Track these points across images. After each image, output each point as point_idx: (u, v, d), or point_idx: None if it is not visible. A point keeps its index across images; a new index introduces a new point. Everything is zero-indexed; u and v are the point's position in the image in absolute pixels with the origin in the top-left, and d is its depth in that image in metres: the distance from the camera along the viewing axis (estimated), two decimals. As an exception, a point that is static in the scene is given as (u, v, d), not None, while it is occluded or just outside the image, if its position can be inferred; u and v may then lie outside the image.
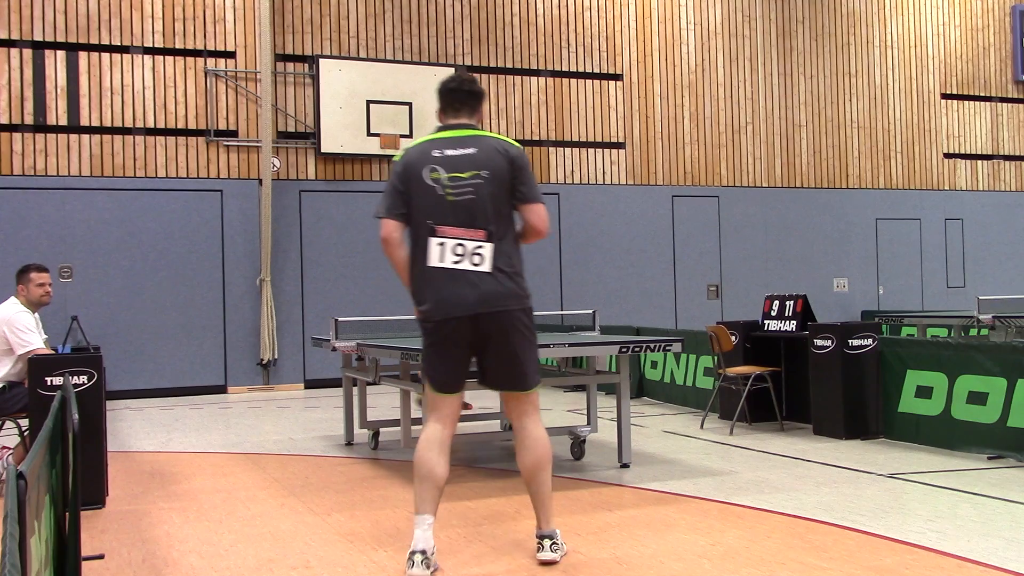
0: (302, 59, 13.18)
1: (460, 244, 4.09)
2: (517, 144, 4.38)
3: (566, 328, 9.46)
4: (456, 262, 4.08)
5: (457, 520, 5.10)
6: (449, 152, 4.19)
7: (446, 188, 4.13)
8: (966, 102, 17.22)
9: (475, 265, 4.08)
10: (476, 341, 4.18)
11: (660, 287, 15.00)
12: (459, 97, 4.35)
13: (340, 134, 13.15)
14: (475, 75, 4.64)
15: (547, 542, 4.22)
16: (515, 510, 5.35)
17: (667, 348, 6.59)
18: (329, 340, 7.26)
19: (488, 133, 4.34)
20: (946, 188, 17.04)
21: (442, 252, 4.09)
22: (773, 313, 8.60)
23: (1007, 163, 17.54)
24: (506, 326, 4.14)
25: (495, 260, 4.11)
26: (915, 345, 7.61)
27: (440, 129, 4.33)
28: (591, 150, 14.69)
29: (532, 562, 4.30)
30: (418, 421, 6.58)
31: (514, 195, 4.24)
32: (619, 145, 14.85)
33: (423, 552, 3.98)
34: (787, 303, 8.49)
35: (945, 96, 17.06)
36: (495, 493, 5.83)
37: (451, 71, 13.65)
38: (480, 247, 4.10)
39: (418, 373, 4.34)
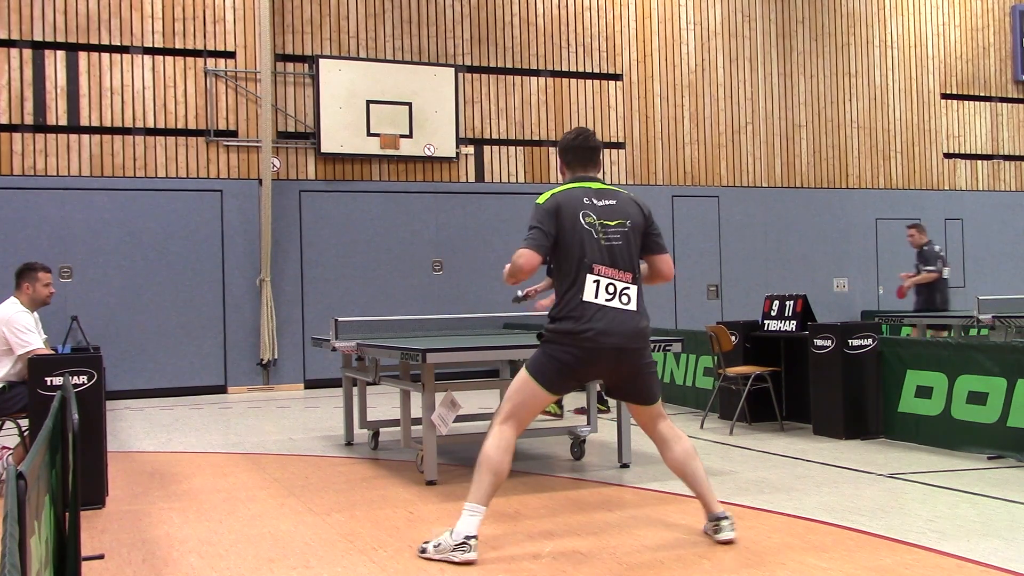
0: (302, 59, 13.18)
1: (612, 284, 4.49)
2: (641, 198, 4.81)
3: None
4: (608, 300, 4.47)
5: (457, 520, 5.09)
6: (596, 201, 4.58)
7: (599, 233, 4.52)
8: (966, 102, 17.22)
9: (624, 304, 4.50)
10: (611, 369, 4.58)
11: (660, 287, 14.94)
12: (588, 154, 4.74)
13: (340, 134, 13.15)
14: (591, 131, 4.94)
15: (724, 522, 4.57)
16: (515, 510, 5.35)
17: (667, 348, 6.59)
18: (329, 340, 7.26)
19: (617, 187, 4.76)
20: (946, 188, 17.04)
21: (597, 289, 4.47)
22: (773, 313, 8.60)
23: (1007, 163, 17.54)
24: (642, 360, 4.60)
25: (638, 301, 4.55)
26: (915, 345, 7.61)
27: (577, 180, 4.69)
28: (591, 150, 14.66)
29: (532, 562, 4.31)
30: (418, 421, 6.58)
31: (651, 245, 4.69)
32: (619, 145, 14.85)
33: (476, 537, 4.33)
34: (787, 303, 8.49)
35: (945, 96, 17.06)
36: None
37: (451, 71, 13.69)
38: (628, 288, 4.53)
39: (524, 369, 4.60)
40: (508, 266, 4.52)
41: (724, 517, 4.57)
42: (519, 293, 7.76)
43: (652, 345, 6.46)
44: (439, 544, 4.33)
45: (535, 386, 4.50)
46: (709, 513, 4.62)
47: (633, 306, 4.50)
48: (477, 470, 4.41)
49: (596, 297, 4.44)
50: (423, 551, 4.38)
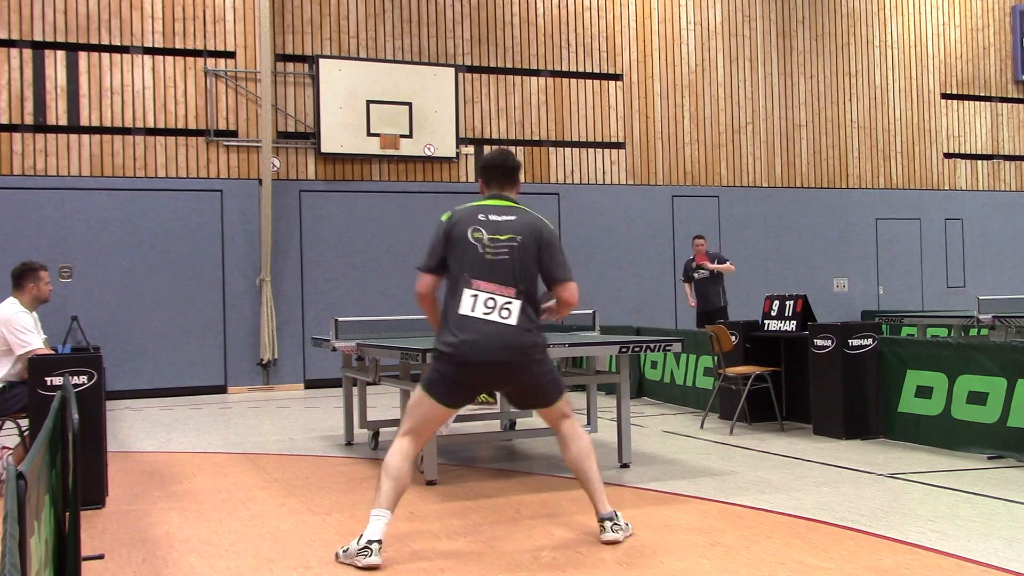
0: (302, 59, 13.18)
1: (492, 298, 4.52)
2: (549, 223, 4.81)
3: (566, 328, 9.45)
4: (486, 314, 4.50)
5: (457, 520, 5.10)
6: (493, 217, 4.65)
7: (486, 247, 4.57)
8: (966, 102, 17.22)
9: (503, 319, 4.51)
10: (497, 381, 4.75)
11: (660, 287, 15.00)
12: (502, 172, 4.82)
13: (340, 134, 13.15)
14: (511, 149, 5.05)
15: (608, 523, 4.60)
16: (515, 510, 5.35)
17: (667, 348, 6.59)
18: (329, 340, 7.26)
19: (527, 209, 4.76)
20: (946, 188, 17.04)
21: (474, 303, 4.51)
22: (773, 313, 8.59)
23: (1007, 163, 17.54)
24: (529, 371, 4.59)
25: (520, 316, 4.53)
26: (915, 345, 7.60)
27: (490, 197, 4.78)
28: (591, 150, 14.69)
29: (532, 562, 4.31)
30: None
31: (548, 274, 4.66)
32: (619, 145, 14.85)
33: (380, 542, 4.30)
34: (787, 303, 8.49)
35: (945, 96, 17.06)
36: (495, 493, 5.83)
37: (451, 71, 13.69)
38: (509, 303, 4.53)
39: (419, 384, 4.68)
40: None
41: (610, 518, 4.60)
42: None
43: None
44: (347, 549, 4.36)
45: (430, 402, 4.53)
46: (597, 513, 4.64)
47: (513, 320, 4.48)
48: (381, 477, 4.45)
49: (473, 311, 4.48)
50: (336, 556, 4.39)
